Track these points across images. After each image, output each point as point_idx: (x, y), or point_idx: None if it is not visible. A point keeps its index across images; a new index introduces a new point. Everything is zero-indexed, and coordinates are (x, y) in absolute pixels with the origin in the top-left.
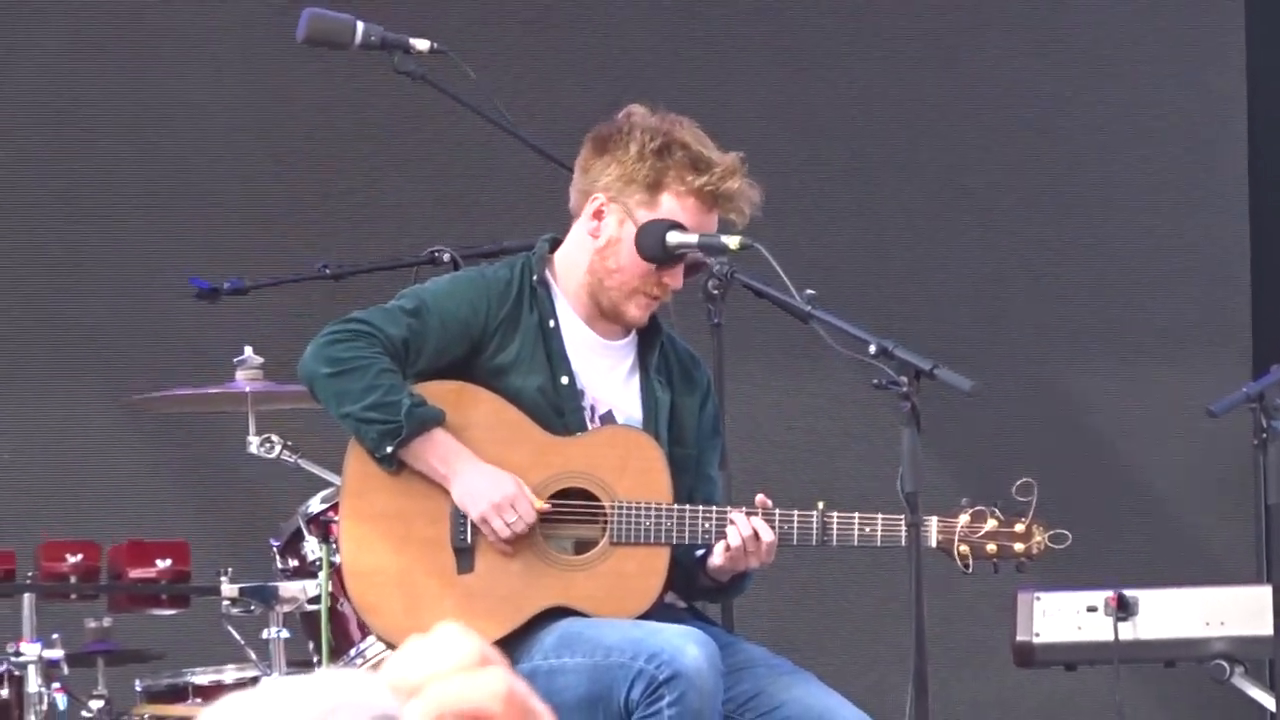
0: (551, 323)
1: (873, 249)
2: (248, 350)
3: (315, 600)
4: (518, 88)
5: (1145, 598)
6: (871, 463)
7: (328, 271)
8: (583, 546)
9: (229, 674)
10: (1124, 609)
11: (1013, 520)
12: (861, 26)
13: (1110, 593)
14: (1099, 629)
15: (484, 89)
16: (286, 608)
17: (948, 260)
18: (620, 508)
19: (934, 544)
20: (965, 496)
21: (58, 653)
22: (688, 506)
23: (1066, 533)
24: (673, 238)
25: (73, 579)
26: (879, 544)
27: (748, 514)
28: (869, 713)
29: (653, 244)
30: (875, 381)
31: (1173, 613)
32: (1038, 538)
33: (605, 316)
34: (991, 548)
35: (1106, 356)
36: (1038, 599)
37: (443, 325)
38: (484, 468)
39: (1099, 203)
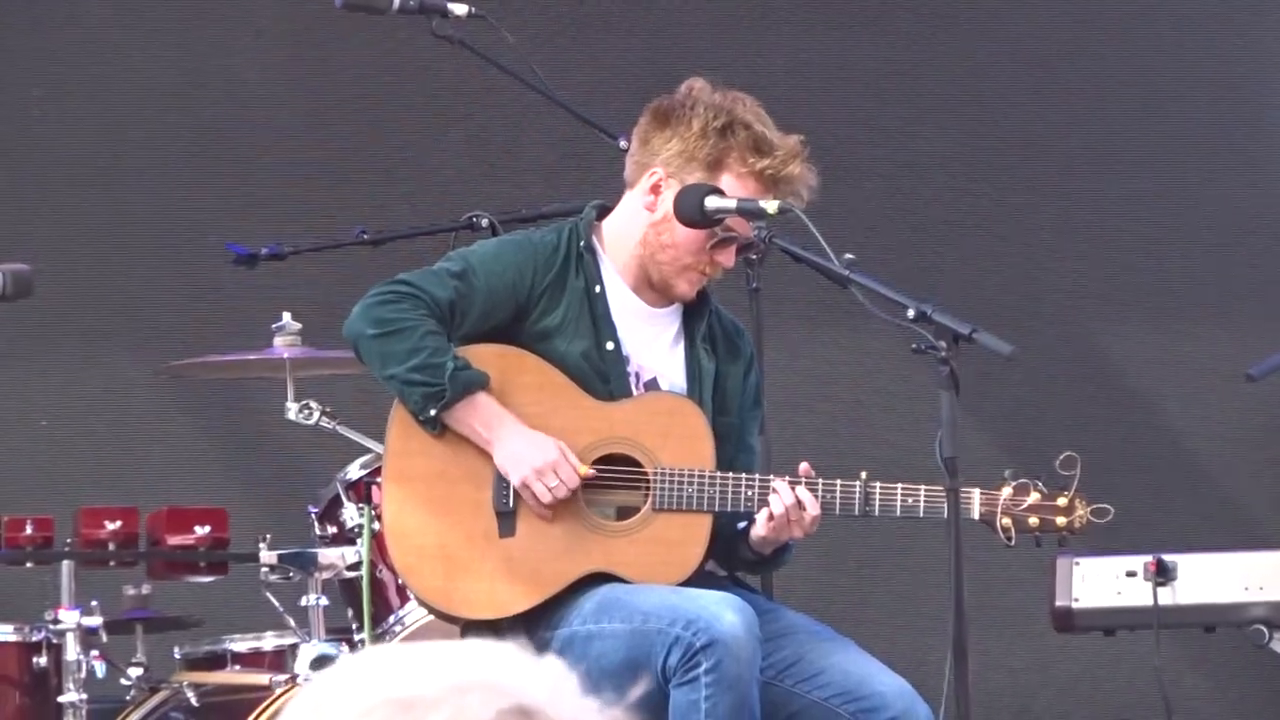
0: (597, 288)
1: (911, 212)
2: (286, 316)
3: (354, 567)
4: (555, 52)
5: (1184, 562)
6: (910, 427)
7: (365, 237)
8: (625, 513)
9: (268, 641)
10: (1163, 574)
11: (1055, 494)
12: None
13: (1149, 557)
14: (1138, 594)
15: (521, 53)
16: (325, 575)
17: (987, 223)
18: (663, 474)
19: (976, 516)
20: (1009, 468)
21: (96, 620)
22: (730, 474)
23: (1108, 507)
24: (711, 202)
25: (111, 546)
26: (921, 515)
27: (790, 483)
28: (909, 679)
29: (691, 208)
30: (914, 346)
31: (1212, 577)
32: (1080, 511)
33: (654, 288)
34: (1034, 521)
35: (1145, 320)
36: (1076, 564)
37: (489, 288)
38: (527, 432)
39: (1139, 164)
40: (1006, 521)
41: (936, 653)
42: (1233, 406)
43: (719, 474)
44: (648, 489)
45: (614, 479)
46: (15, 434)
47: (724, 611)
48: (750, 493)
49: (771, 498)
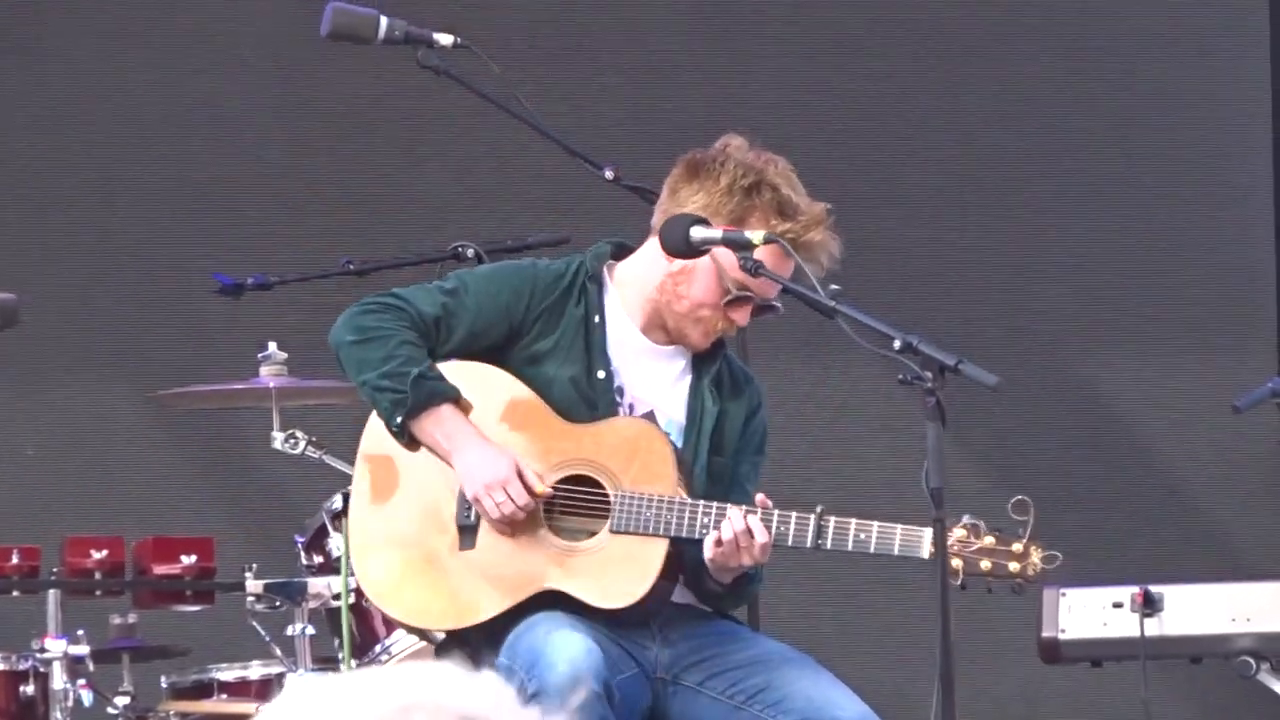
0: (596, 318)
1: (896, 242)
2: (272, 346)
3: (340, 596)
4: (541, 82)
5: (1171, 593)
6: (896, 458)
7: (351, 267)
8: (591, 534)
9: (254, 670)
10: (1150, 605)
11: (1010, 540)
12: (883, 16)
13: (1136, 589)
14: (1125, 625)
15: (507, 83)
16: (312, 604)
17: (972, 254)
18: (624, 497)
19: (926, 555)
20: (966, 513)
21: (83, 649)
22: (689, 500)
23: (1057, 554)
24: (696, 233)
25: (98, 575)
26: (872, 550)
27: (746, 512)
28: (894, 709)
29: (677, 239)
30: (900, 377)
31: (1199, 608)
32: (1034, 558)
33: (667, 334)
34: (986, 565)
35: (1132, 351)
36: (1063, 595)
37: (479, 307)
38: (486, 447)
39: (1124, 197)
40: (957, 563)
41: (923, 682)
42: (1219, 438)
43: (679, 500)
44: (608, 511)
45: (577, 500)
46: (1, 463)
47: (559, 663)
48: (706, 519)
49: (723, 523)
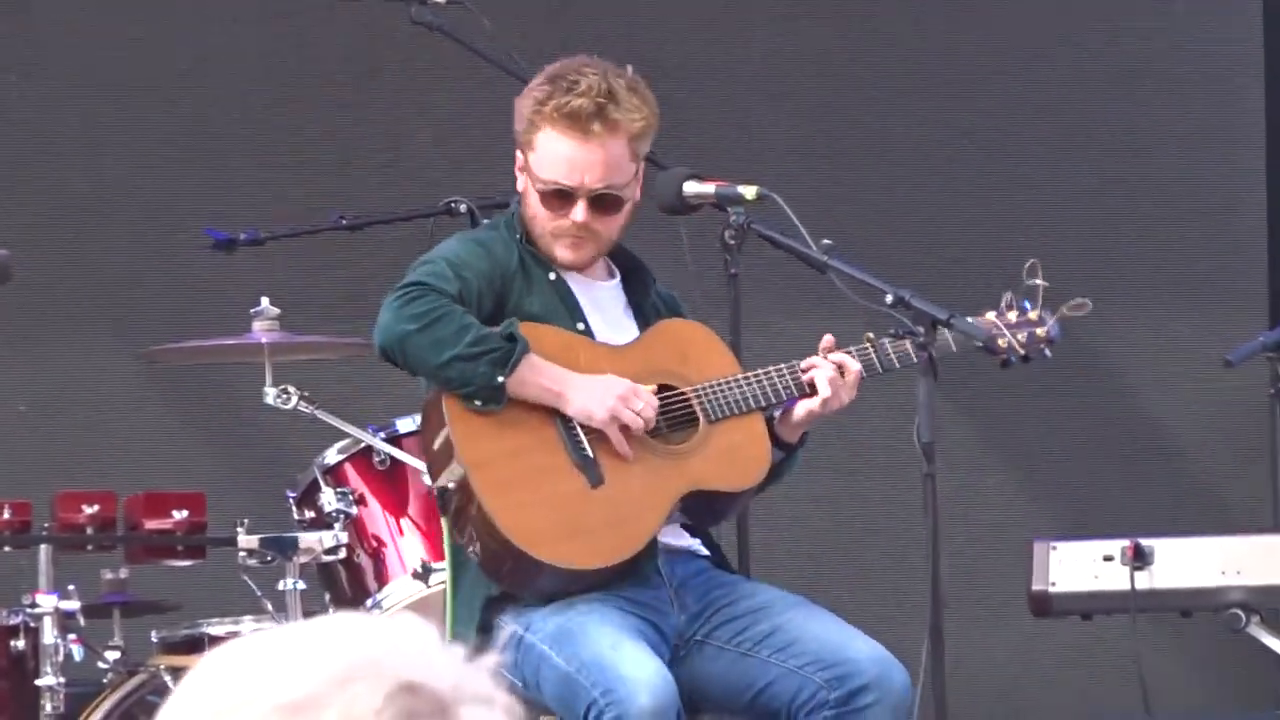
0: (553, 275)
1: (887, 197)
2: (264, 301)
3: (331, 551)
4: (532, 37)
5: (1161, 547)
6: (887, 412)
7: (344, 222)
8: (688, 435)
9: (245, 625)
10: (1140, 558)
11: (1029, 310)
12: None
13: (1126, 542)
14: (1115, 578)
15: (499, 39)
16: (303, 559)
17: (963, 208)
18: (702, 390)
19: (979, 343)
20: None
21: (74, 604)
22: (758, 371)
23: (1086, 300)
24: (689, 188)
25: (89, 530)
26: (935, 353)
27: (823, 354)
28: None
29: (669, 195)
30: (892, 331)
31: (1189, 562)
32: (1049, 320)
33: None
34: (1021, 337)
35: (1122, 305)
36: (1054, 548)
37: (476, 279)
38: (589, 377)
39: (1116, 150)
40: (1003, 343)
41: (916, 638)
42: (1210, 392)
43: (749, 375)
44: (695, 407)
45: (665, 406)
46: None
47: (640, 691)
48: (785, 380)
49: (816, 374)
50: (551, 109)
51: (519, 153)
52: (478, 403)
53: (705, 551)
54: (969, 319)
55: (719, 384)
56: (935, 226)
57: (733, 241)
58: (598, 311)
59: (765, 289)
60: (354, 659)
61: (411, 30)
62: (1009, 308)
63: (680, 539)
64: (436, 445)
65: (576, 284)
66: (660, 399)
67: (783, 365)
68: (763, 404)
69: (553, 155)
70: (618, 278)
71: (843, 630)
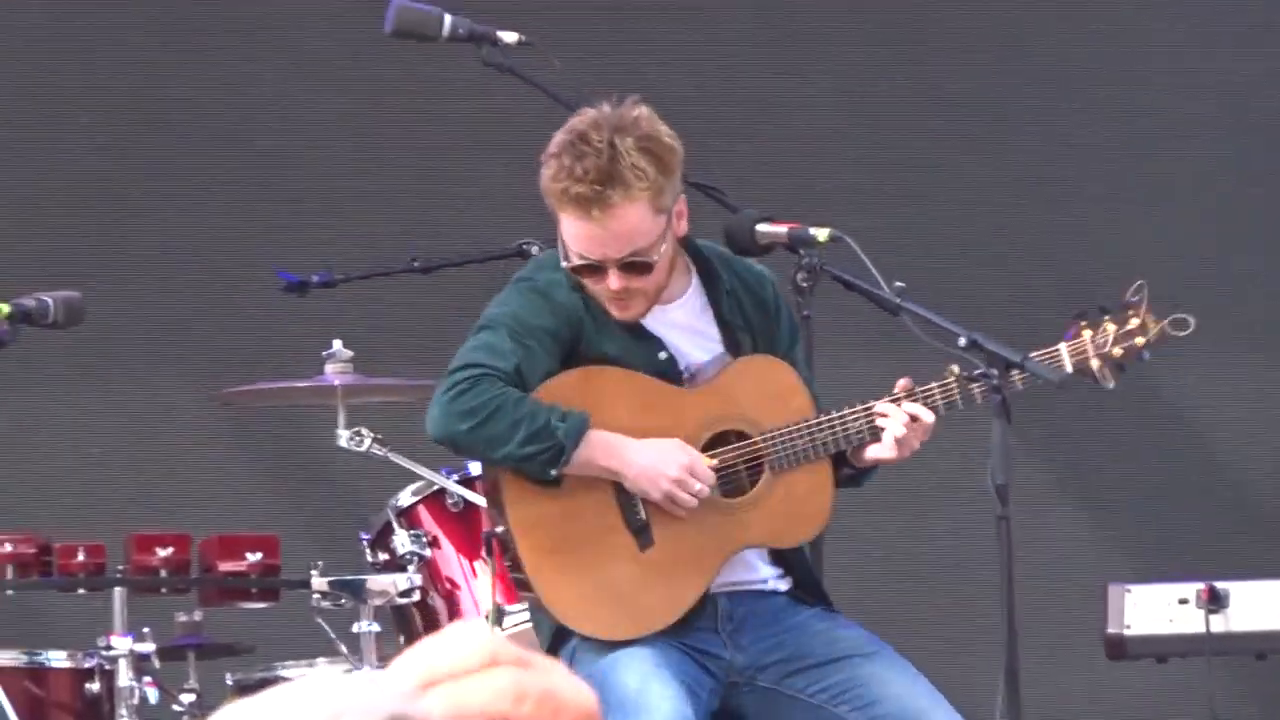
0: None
1: (960, 239)
2: (337, 343)
3: (405, 594)
4: (603, 79)
5: (1236, 590)
6: (960, 454)
7: (416, 264)
8: (745, 483)
9: (320, 668)
10: (1215, 601)
11: (1125, 319)
12: (944, 14)
13: (1201, 585)
14: (1190, 621)
15: (571, 81)
16: (376, 601)
17: (1036, 250)
18: (771, 437)
19: (1070, 369)
20: (1076, 311)
21: (148, 646)
22: (834, 413)
23: (1188, 318)
24: (762, 230)
25: (163, 572)
26: (1019, 388)
27: (892, 400)
28: (959, 702)
29: (742, 237)
30: (965, 373)
31: (1264, 605)
32: (1153, 327)
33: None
34: (1118, 352)
35: (1197, 346)
36: (1128, 591)
37: (539, 346)
38: (647, 447)
39: (1186, 193)
40: (1096, 364)
41: (988, 678)
42: None
43: (822, 418)
44: (762, 456)
45: (729, 456)
46: (67, 461)
47: None
48: (859, 424)
49: (887, 421)
50: (559, 191)
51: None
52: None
53: (783, 586)
54: (1063, 346)
55: (790, 431)
56: (1008, 267)
57: (805, 284)
58: (675, 333)
59: (838, 331)
60: (344, 700)
61: (483, 71)
62: (1110, 322)
63: (752, 573)
64: (490, 495)
65: (647, 316)
66: (731, 449)
67: (858, 405)
68: (830, 452)
69: (573, 234)
70: (693, 279)
71: (926, 696)
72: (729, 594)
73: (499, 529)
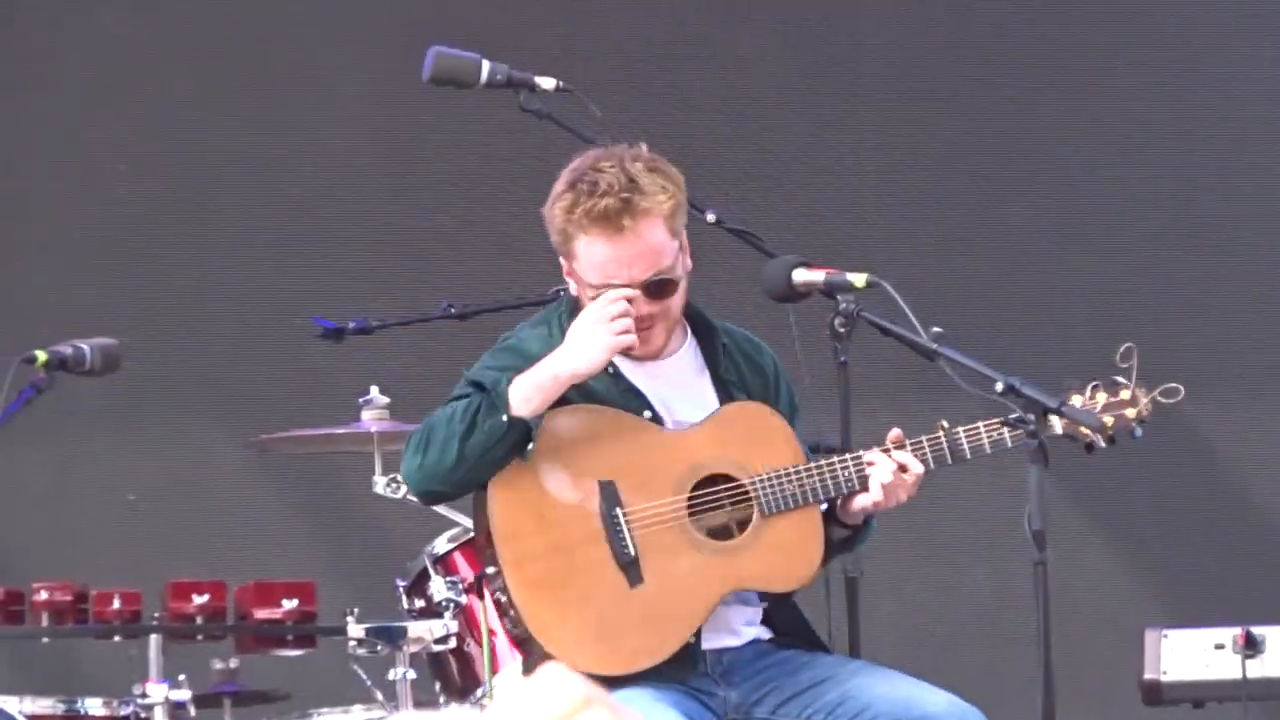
0: (610, 369)
1: (998, 283)
2: (373, 390)
3: (442, 640)
4: (641, 126)
5: (1273, 635)
6: (998, 500)
7: (453, 311)
8: (733, 529)
9: (356, 715)
10: (1252, 646)
11: (1118, 388)
12: (983, 60)
13: (1238, 630)
14: (1227, 666)
15: (608, 127)
16: (413, 648)
17: (1074, 293)
18: (761, 480)
19: (1060, 432)
20: (1069, 379)
21: (185, 694)
22: (823, 461)
23: (1178, 386)
24: (798, 275)
25: (199, 619)
26: (1009, 445)
27: (882, 450)
28: None
29: (779, 282)
30: (1002, 420)
31: None
32: (1144, 400)
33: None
34: (1109, 420)
35: (1233, 391)
36: (1165, 636)
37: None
38: (568, 339)
39: (1221, 232)
40: (1086, 429)
41: None
42: None
43: (812, 465)
44: (751, 499)
45: (719, 498)
46: (103, 507)
47: None
48: (847, 472)
49: (873, 470)
50: (580, 215)
51: (562, 260)
52: (531, 447)
53: (765, 635)
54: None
55: (779, 475)
56: (1045, 313)
57: (842, 329)
58: (666, 389)
59: (875, 377)
60: None
61: (521, 117)
62: (1095, 390)
63: (736, 639)
64: (479, 535)
65: (635, 372)
66: (720, 491)
67: (847, 456)
68: (820, 498)
69: (595, 259)
70: (688, 338)
71: (911, 685)
72: (716, 650)
73: (489, 569)
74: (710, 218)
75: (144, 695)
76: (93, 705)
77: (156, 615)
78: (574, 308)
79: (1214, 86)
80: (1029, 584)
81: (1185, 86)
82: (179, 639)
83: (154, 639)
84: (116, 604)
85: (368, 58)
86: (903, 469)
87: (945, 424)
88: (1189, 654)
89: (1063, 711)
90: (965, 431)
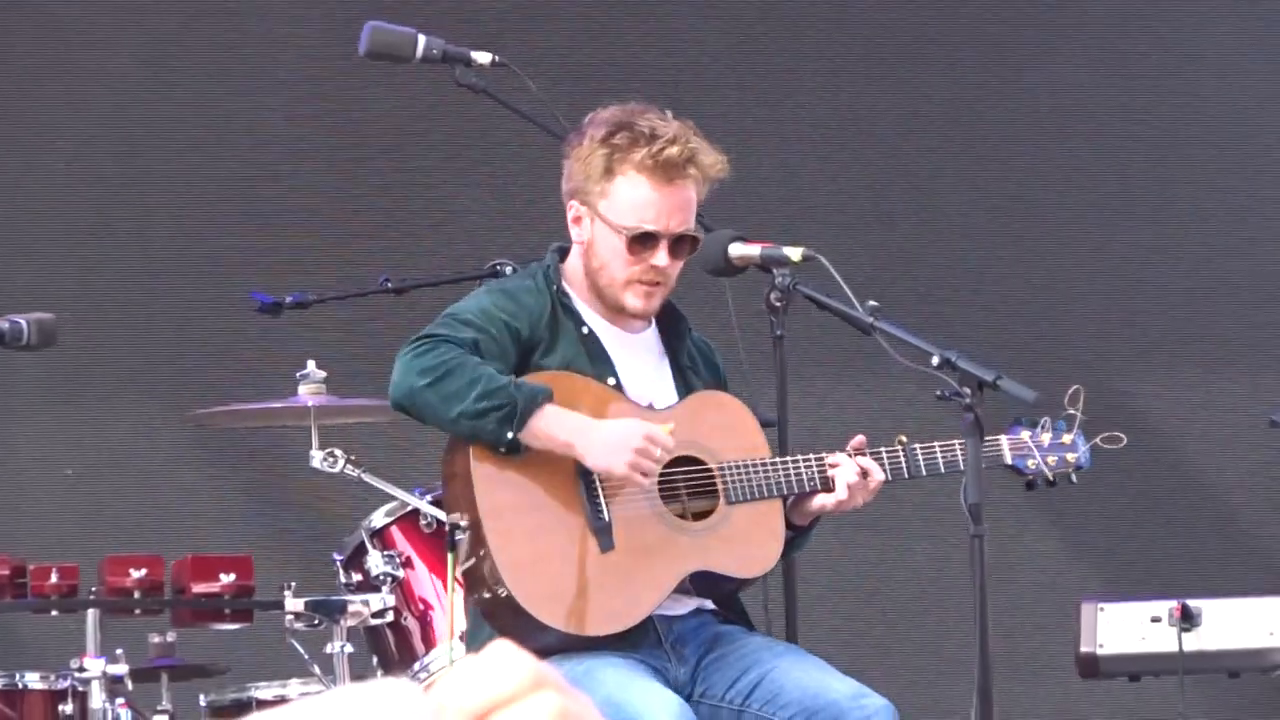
0: (585, 329)
1: (933, 259)
2: (310, 364)
3: (379, 614)
4: (578, 99)
5: (1209, 608)
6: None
7: (389, 285)
8: (698, 513)
9: (293, 689)
10: (1188, 619)
11: (1062, 433)
12: (920, 35)
13: (1174, 603)
14: (1163, 639)
15: (544, 101)
16: (350, 622)
17: (1010, 269)
18: (728, 468)
19: (1009, 461)
20: (1018, 414)
21: (122, 668)
22: (789, 458)
23: (1121, 435)
24: (734, 249)
25: (136, 594)
26: (962, 467)
27: (851, 455)
28: None
29: (715, 256)
30: (938, 392)
31: (1237, 623)
32: (1085, 447)
33: (616, 313)
34: (1052, 460)
35: (1170, 365)
36: (1101, 610)
37: (497, 335)
38: (604, 423)
39: (1161, 210)
40: (1033, 463)
41: (962, 698)
42: (1258, 452)
43: (778, 460)
44: (718, 486)
45: (687, 480)
46: (40, 482)
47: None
48: (810, 471)
49: (836, 472)
50: (643, 157)
51: (576, 204)
52: (500, 450)
53: (710, 606)
54: (1004, 438)
55: (746, 465)
56: (982, 289)
57: (778, 303)
58: (632, 362)
59: (811, 351)
60: (360, 717)
61: (457, 93)
62: (1044, 429)
63: (684, 608)
64: (456, 479)
65: (610, 337)
66: (686, 472)
67: (811, 456)
68: (784, 493)
69: (637, 200)
70: (653, 324)
71: (822, 673)
72: (665, 616)
73: (461, 520)
74: None
75: (81, 669)
76: (30, 679)
77: (94, 589)
78: (560, 260)
79: (1152, 62)
80: (966, 557)
81: (1124, 62)
82: (116, 613)
83: (91, 613)
84: (54, 578)
85: (304, 33)
86: (864, 474)
87: (904, 439)
88: (1125, 627)
89: (999, 684)
90: (922, 449)
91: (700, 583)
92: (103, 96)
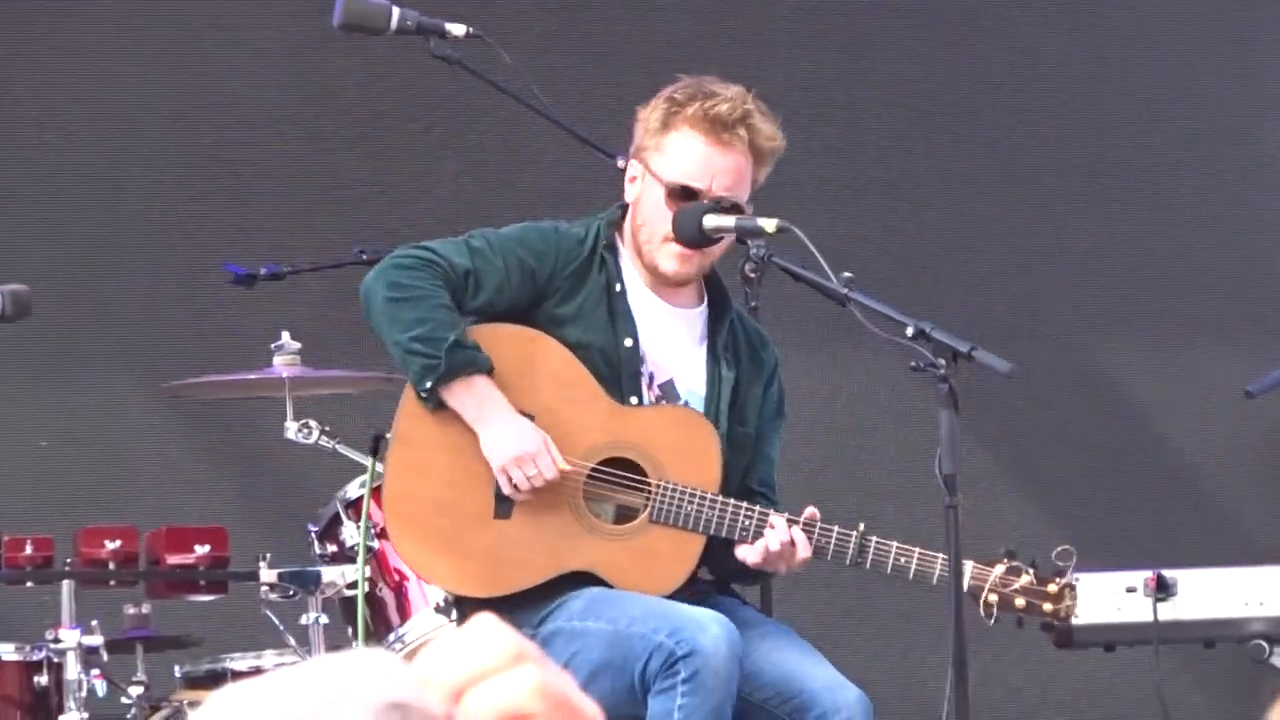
0: (618, 286)
1: (909, 230)
2: (285, 336)
3: (354, 585)
4: (553, 72)
5: (1184, 578)
6: (910, 445)
7: (364, 257)
8: (623, 518)
9: (268, 659)
10: (1163, 589)
11: (1047, 580)
12: (895, 8)
13: (1149, 573)
14: (1138, 609)
15: (519, 73)
16: (325, 593)
17: (985, 241)
18: (665, 488)
19: (965, 587)
20: (1006, 549)
21: (97, 639)
22: (731, 501)
23: (1075, 608)
24: (709, 220)
25: (111, 565)
26: (910, 577)
27: (789, 521)
28: (908, 694)
29: (689, 226)
30: (913, 364)
31: (1212, 593)
32: (1068, 601)
33: (658, 280)
34: (1020, 602)
35: (1145, 337)
36: (1076, 579)
37: (505, 266)
38: (515, 420)
39: (1136, 183)
40: (992, 598)
41: (937, 668)
42: (1232, 423)
43: (720, 499)
44: (648, 499)
45: (617, 481)
46: (15, 454)
47: (710, 625)
48: (748, 522)
49: (768, 532)
50: (695, 110)
51: (634, 162)
52: (420, 394)
53: (708, 576)
54: (970, 562)
55: (683, 491)
56: (958, 260)
57: (753, 274)
58: (660, 332)
59: (785, 322)
60: (341, 686)
61: (432, 64)
62: (1023, 572)
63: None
64: (400, 398)
65: (643, 301)
66: (624, 475)
67: (755, 509)
68: (709, 532)
69: (685, 154)
70: (704, 304)
71: (803, 659)
72: None
73: (388, 435)
74: (620, 163)
75: (56, 640)
76: (5, 650)
77: (69, 561)
78: (621, 217)
79: (1121, 33)
80: (939, 528)
81: (1099, 31)
82: (91, 584)
83: (66, 584)
84: (29, 550)
85: (278, 3)
86: (793, 544)
87: (862, 526)
88: (1100, 597)
89: (974, 654)
90: (877, 542)
91: (708, 555)
92: (75, 67)
